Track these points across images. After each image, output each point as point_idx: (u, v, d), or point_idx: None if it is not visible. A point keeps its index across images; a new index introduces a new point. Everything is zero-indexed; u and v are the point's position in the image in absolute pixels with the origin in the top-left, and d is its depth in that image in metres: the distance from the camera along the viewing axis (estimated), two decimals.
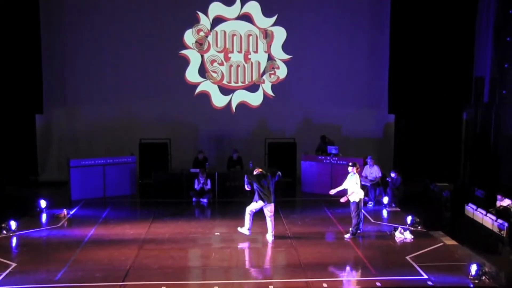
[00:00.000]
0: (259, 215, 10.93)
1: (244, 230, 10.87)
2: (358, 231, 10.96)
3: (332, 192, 11.20)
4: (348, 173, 11.04)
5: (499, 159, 15.46)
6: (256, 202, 10.69)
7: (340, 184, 11.30)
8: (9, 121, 16.36)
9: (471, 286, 8.50)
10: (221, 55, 17.52)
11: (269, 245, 10.59)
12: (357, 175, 10.95)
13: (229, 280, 8.83)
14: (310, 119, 17.80)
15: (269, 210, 10.70)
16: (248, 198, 11.72)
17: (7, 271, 8.91)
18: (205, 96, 17.62)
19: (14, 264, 9.24)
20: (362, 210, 11.03)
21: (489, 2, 16.06)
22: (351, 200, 10.89)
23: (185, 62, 17.44)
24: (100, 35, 17.04)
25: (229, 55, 17.53)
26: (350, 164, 11.12)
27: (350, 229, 11.00)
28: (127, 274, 8.88)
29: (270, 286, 8.48)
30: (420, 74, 16.91)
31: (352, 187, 10.85)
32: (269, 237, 10.80)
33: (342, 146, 15.98)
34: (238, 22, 17.47)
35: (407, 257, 9.70)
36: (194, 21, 17.33)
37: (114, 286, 8.39)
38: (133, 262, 9.46)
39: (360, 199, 10.85)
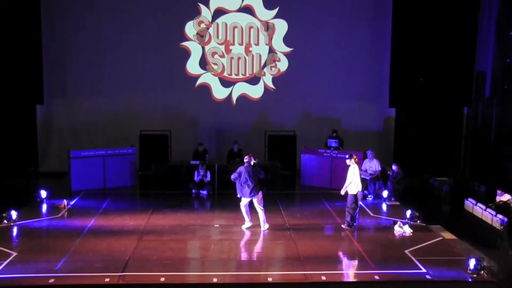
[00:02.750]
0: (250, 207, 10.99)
1: (246, 224, 10.97)
2: (354, 223, 11.00)
3: (343, 192, 11.07)
4: (348, 166, 11.06)
5: (499, 154, 15.45)
6: (245, 196, 10.71)
7: (340, 177, 11.28)
8: (10, 111, 16.36)
9: (470, 280, 8.52)
10: (222, 47, 17.47)
11: (268, 238, 10.62)
12: (355, 166, 10.95)
13: (228, 272, 8.87)
14: (310, 112, 17.78)
15: (258, 200, 10.77)
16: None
17: (8, 260, 8.96)
18: (206, 88, 17.59)
19: (14, 254, 9.29)
20: (361, 202, 10.99)
21: None
22: (349, 193, 10.92)
23: (186, 54, 17.40)
24: (100, 26, 17.01)
25: (230, 47, 17.49)
26: (347, 156, 11.16)
27: (346, 220, 11.05)
28: (126, 264, 8.92)
29: (269, 278, 8.51)
30: (421, 68, 16.88)
31: (350, 178, 10.87)
32: (265, 226, 10.88)
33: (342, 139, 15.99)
34: (239, 14, 17.40)
35: (406, 251, 9.73)
36: (195, 13, 17.28)
37: (113, 276, 8.42)
38: (132, 253, 9.49)
39: (358, 192, 10.88)
